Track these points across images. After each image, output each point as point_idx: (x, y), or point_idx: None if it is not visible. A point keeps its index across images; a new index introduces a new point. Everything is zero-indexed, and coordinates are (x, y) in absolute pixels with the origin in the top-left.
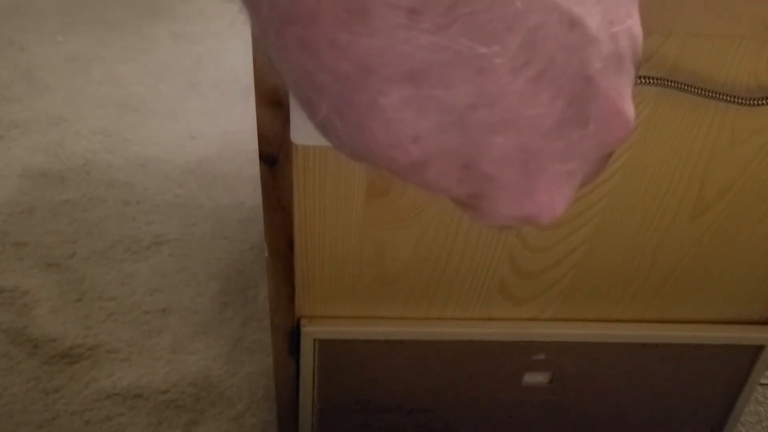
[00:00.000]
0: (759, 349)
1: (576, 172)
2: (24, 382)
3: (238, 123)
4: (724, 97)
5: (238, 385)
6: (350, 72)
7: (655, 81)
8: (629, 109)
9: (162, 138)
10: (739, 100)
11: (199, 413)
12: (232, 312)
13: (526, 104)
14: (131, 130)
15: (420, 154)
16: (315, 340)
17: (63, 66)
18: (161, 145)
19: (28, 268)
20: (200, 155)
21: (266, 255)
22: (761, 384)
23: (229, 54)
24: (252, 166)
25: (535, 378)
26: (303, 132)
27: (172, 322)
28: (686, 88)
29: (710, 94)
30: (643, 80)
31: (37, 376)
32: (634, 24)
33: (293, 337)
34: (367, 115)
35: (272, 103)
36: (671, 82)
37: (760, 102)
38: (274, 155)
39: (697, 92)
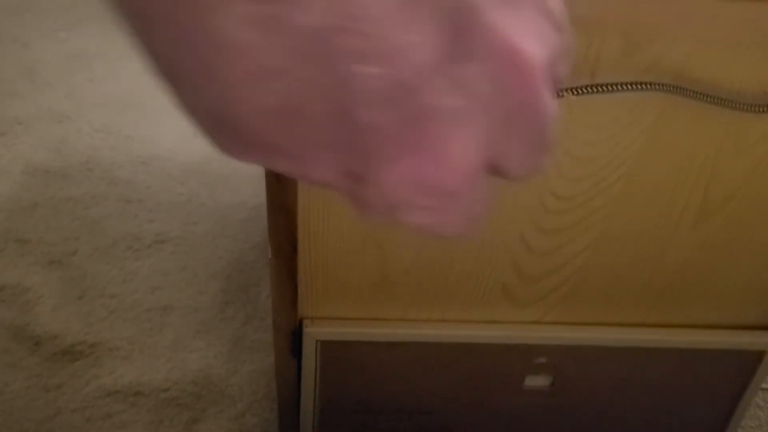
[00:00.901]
0: (760, 354)
1: (468, 117)
2: (25, 378)
3: None
4: (730, 104)
5: (239, 384)
6: None
7: (661, 87)
8: (528, 48)
9: (164, 136)
10: (745, 107)
11: (200, 411)
12: (233, 311)
13: (398, 31)
14: (134, 127)
15: (283, 92)
16: (317, 341)
17: (66, 63)
18: (164, 143)
19: (31, 265)
20: (203, 154)
21: (270, 255)
22: (762, 389)
23: None
24: (254, 166)
25: (536, 381)
26: None
27: (174, 320)
28: (692, 94)
29: (716, 100)
30: (649, 86)
31: (39, 373)
32: None
33: (295, 338)
34: (202, 43)
35: None
36: (677, 88)
37: (765, 109)
38: None
39: (703, 98)
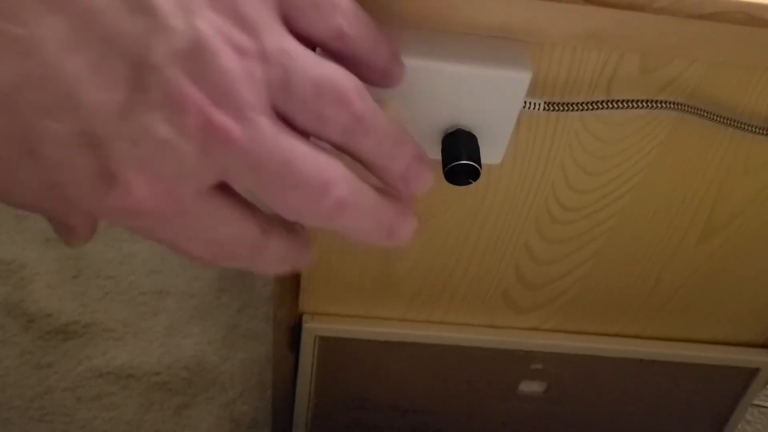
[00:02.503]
0: (754, 371)
1: (156, 161)
2: (17, 356)
3: None
4: (742, 126)
5: (231, 371)
6: None
7: (675, 106)
8: (192, 95)
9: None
10: (756, 130)
11: (191, 397)
12: (228, 298)
13: (84, 88)
14: None
15: None
16: (316, 336)
17: None
18: None
19: (28, 242)
20: None
21: None
22: (752, 404)
23: None
24: None
25: (531, 387)
26: None
27: (169, 304)
28: (705, 114)
29: (728, 121)
30: (663, 104)
31: (31, 350)
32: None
33: (294, 332)
34: None
35: None
36: (691, 107)
37: None
38: None
39: (716, 119)
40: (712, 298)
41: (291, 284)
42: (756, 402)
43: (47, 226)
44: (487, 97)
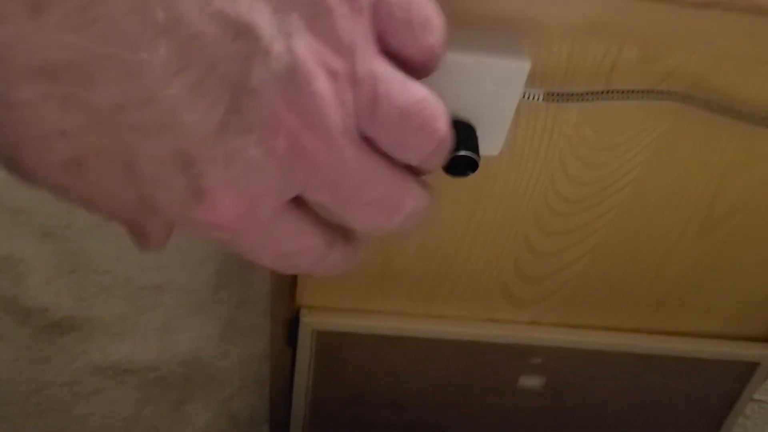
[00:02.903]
0: (754, 365)
1: (243, 180)
2: (14, 350)
3: None
4: (743, 117)
5: (229, 367)
6: None
7: (676, 96)
8: (285, 118)
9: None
10: (758, 121)
11: (188, 393)
12: (226, 294)
13: (183, 110)
14: None
15: (70, 150)
16: (313, 330)
17: None
18: None
19: (24, 236)
20: None
21: None
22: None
23: None
24: None
25: (530, 381)
26: None
27: (166, 299)
28: (706, 105)
29: (729, 113)
30: (664, 95)
31: (28, 345)
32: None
33: (291, 327)
34: (2, 108)
35: None
36: (691, 98)
37: None
38: None
39: (717, 110)
40: (711, 291)
41: (288, 278)
42: (756, 397)
43: (44, 221)
44: (486, 87)
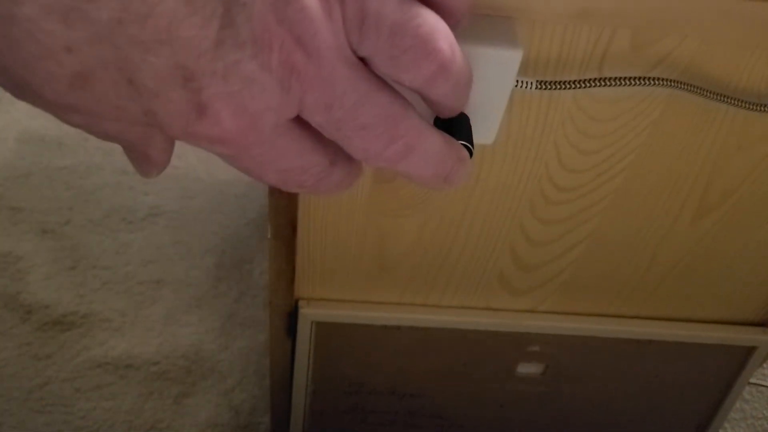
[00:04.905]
0: (751, 349)
1: (242, 95)
2: (16, 347)
3: None
4: (735, 102)
5: (230, 359)
6: None
7: (668, 83)
8: (277, 33)
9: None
10: (749, 106)
11: (189, 386)
12: (226, 287)
13: (180, 24)
14: None
15: (76, 65)
16: (312, 322)
17: None
18: None
19: (23, 234)
20: None
21: (269, 236)
22: (749, 383)
23: None
24: None
25: (529, 369)
26: None
27: (166, 293)
28: (698, 91)
29: (721, 98)
30: (656, 82)
31: (29, 341)
32: None
33: (291, 319)
34: (8, 26)
35: None
36: (684, 84)
37: None
38: None
39: (709, 96)
40: (707, 277)
41: (286, 270)
42: (753, 381)
43: (43, 218)
44: (479, 75)
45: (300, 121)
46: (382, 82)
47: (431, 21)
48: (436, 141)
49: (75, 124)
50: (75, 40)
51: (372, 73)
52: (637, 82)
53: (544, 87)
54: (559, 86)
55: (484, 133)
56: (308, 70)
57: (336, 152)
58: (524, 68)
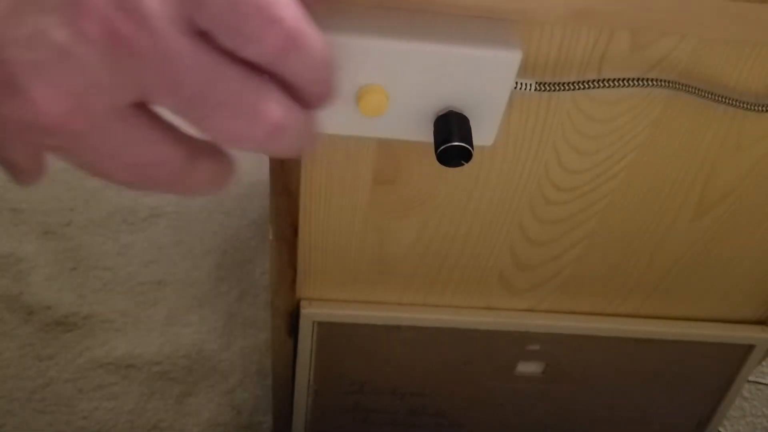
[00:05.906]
0: (750, 348)
1: (60, 70)
2: (18, 348)
3: None
4: (733, 102)
5: (231, 359)
6: None
7: (667, 84)
8: (100, 1)
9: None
10: (748, 106)
11: (191, 385)
12: (227, 286)
13: None
14: None
15: None
16: (314, 322)
17: None
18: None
19: (25, 235)
20: None
21: (270, 237)
22: (748, 381)
23: None
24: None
25: (529, 368)
26: None
27: (167, 294)
28: (697, 91)
29: (720, 98)
30: (655, 83)
31: (31, 342)
32: None
33: (293, 319)
34: None
35: None
36: (682, 85)
37: (767, 109)
38: None
39: (708, 96)
40: (705, 275)
41: (288, 271)
42: (752, 378)
43: (44, 219)
44: (478, 78)
45: (146, 109)
46: (233, 56)
47: None
48: (300, 113)
49: None
50: None
51: (218, 47)
52: (636, 83)
53: (543, 88)
54: (558, 87)
55: (483, 134)
56: (141, 43)
57: (197, 145)
58: (523, 70)
